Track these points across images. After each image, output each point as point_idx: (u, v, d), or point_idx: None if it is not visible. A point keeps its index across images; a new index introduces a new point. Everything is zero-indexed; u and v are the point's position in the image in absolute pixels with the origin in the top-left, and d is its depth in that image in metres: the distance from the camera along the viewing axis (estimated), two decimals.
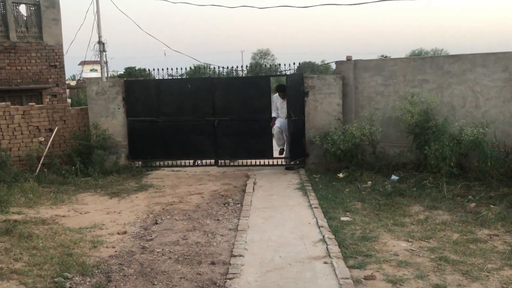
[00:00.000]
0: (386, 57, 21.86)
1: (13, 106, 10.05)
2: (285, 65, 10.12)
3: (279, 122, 10.37)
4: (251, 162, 10.33)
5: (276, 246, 5.45)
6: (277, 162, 10.34)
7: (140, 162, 10.43)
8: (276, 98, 10.44)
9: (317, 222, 6.24)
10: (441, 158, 7.71)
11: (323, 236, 5.64)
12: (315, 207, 6.95)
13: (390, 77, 9.44)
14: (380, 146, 9.18)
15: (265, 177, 9.25)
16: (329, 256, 5.02)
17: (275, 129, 10.33)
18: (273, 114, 10.29)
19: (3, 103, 10.04)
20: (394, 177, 8.40)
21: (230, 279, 4.50)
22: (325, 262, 4.87)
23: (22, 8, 14.58)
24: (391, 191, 7.62)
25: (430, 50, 57.37)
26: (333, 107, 9.83)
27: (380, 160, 9.10)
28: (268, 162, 10.25)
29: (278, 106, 10.42)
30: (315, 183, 8.67)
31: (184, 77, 11.01)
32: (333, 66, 11.28)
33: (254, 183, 8.73)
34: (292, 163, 10.02)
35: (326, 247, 5.28)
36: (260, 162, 10.23)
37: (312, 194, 7.77)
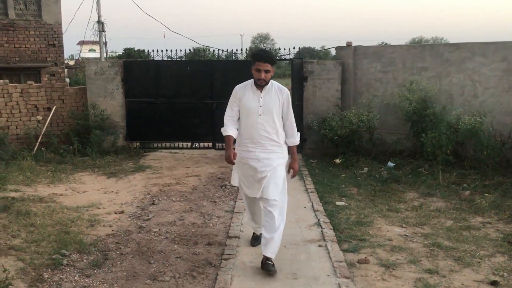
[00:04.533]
0: (386, 44, 21.83)
1: (11, 84, 10.01)
2: (284, 49, 10.12)
3: (249, 165, 4.40)
4: None
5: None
6: None
7: (138, 143, 10.45)
8: (240, 90, 4.41)
9: (312, 206, 6.30)
10: (438, 146, 7.75)
11: (318, 220, 5.70)
12: (311, 192, 7.01)
13: (389, 64, 9.43)
14: (377, 133, 9.21)
15: None
16: (324, 239, 5.08)
17: (245, 197, 4.74)
18: (229, 131, 4.39)
19: (1, 80, 10.00)
20: (390, 163, 8.45)
21: (225, 259, 4.56)
22: (319, 245, 4.93)
23: None
24: (387, 178, 7.68)
25: (430, 38, 57.11)
26: (332, 93, 9.83)
27: (377, 147, 9.14)
28: None
29: (247, 105, 4.34)
30: (312, 168, 8.72)
31: (183, 59, 10.97)
32: (333, 52, 11.23)
33: None
34: None
35: (321, 231, 5.35)
36: None
37: (308, 178, 7.82)
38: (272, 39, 71.26)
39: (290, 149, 4.49)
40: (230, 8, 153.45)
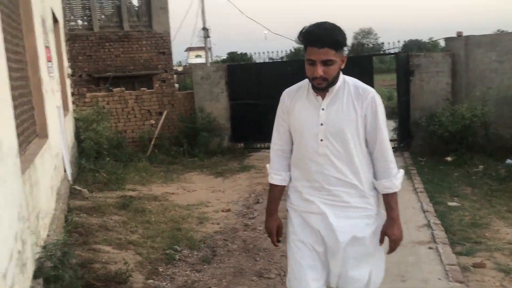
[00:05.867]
0: (502, 31, 20.16)
1: (127, 91, 10.84)
2: (388, 43, 9.78)
3: (308, 224, 2.46)
4: None
5: None
6: None
7: (242, 144, 10.76)
8: (288, 98, 2.54)
9: (421, 207, 6.00)
10: None
11: (428, 221, 5.42)
12: (420, 191, 6.69)
13: (506, 53, 8.68)
14: (494, 128, 8.52)
15: None
16: (434, 241, 4.82)
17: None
18: (274, 175, 2.65)
19: (119, 88, 10.89)
20: (509, 161, 7.78)
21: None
22: (429, 248, 4.69)
23: None
24: (506, 176, 7.07)
25: None
26: (441, 87, 9.29)
27: (493, 143, 8.45)
28: None
29: (300, 123, 2.46)
30: (421, 166, 8.32)
31: (284, 60, 11.08)
32: (442, 43, 10.61)
33: None
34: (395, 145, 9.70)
35: (431, 232, 5.08)
36: None
37: (417, 177, 7.47)
38: (375, 33, 68.94)
39: (384, 201, 2.45)
40: (331, 4, 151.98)
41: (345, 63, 2.34)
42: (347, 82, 2.41)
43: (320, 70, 2.24)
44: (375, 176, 2.44)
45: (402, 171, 2.45)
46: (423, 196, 6.47)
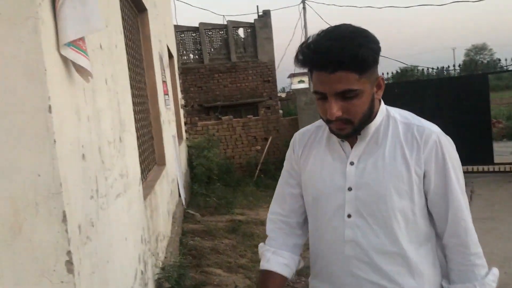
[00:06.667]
0: None
1: (235, 119, 11.30)
2: (506, 60, 9.12)
3: None
4: (466, 168, 9.53)
5: (500, 260, 4.92)
6: (499, 168, 9.32)
7: None
8: (300, 145, 1.58)
9: None
10: None
11: None
12: None
13: None
14: None
15: (485, 185, 8.41)
16: None
17: None
18: (270, 259, 1.59)
19: (227, 116, 11.40)
20: None
21: None
22: None
23: (240, 31, 16.36)
24: None
25: None
26: None
27: None
28: (489, 168, 9.31)
29: (314, 186, 1.49)
30: None
31: (390, 81, 10.82)
32: None
33: (472, 192, 8.04)
34: None
35: None
36: (478, 168, 9.36)
37: None
38: (491, 49, 64.43)
39: None
40: (439, 21, 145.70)
41: (383, 89, 1.40)
42: (393, 118, 1.45)
43: (335, 109, 1.30)
44: (447, 277, 1.45)
45: (495, 272, 1.44)
46: None
